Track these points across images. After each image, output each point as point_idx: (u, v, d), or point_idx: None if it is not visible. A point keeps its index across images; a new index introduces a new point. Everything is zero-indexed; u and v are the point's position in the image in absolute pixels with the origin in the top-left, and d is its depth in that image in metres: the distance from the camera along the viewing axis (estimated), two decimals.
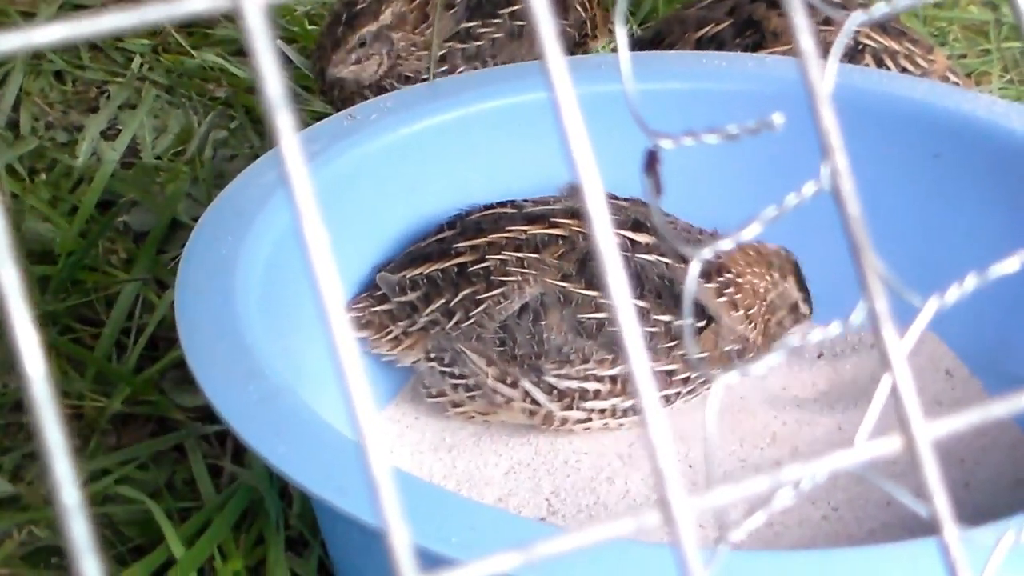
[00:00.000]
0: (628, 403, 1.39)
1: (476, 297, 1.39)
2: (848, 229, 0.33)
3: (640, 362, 0.33)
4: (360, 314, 1.43)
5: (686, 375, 1.39)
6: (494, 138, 1.54)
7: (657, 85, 1.55)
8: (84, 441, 1.48)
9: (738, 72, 1.59)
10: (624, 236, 1.40)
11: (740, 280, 1.42)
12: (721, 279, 1.41)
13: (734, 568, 0.96)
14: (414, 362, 1.44)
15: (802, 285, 1.46)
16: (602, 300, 1.37)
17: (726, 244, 0.38)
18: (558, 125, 0.36)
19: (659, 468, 0.31)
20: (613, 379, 1.38)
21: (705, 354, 1.40)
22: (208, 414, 1.24)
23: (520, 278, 1.38)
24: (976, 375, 1.54)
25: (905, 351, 0.35)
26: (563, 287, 1.37)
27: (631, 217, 1.41)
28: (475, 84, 1.57)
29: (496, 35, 1.72)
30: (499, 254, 1.40)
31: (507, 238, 1.41)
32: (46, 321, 1.61)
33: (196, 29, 2.19)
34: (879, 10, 0.38)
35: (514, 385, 1.39)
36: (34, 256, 1.70)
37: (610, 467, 1.42)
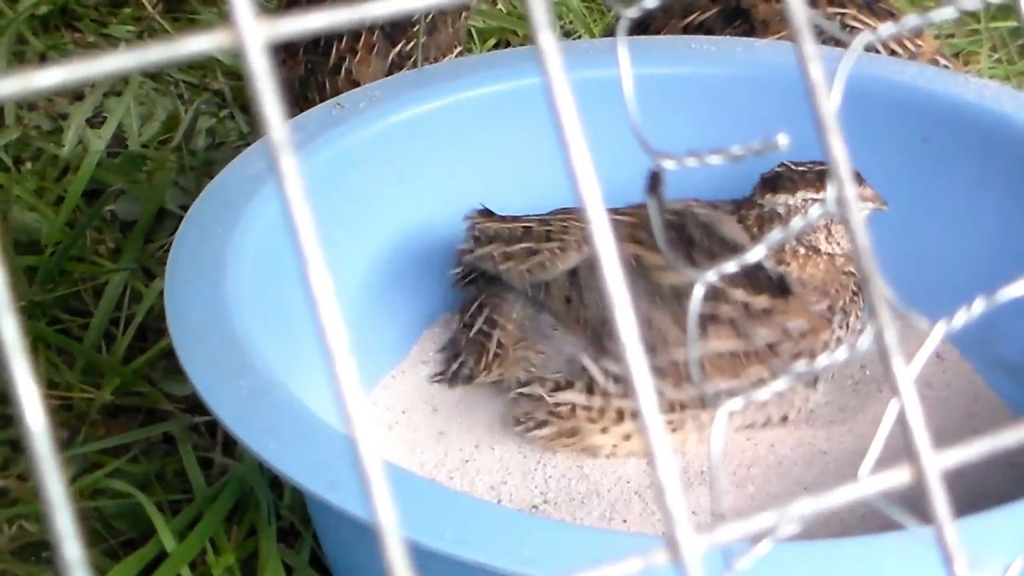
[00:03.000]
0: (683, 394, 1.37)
1: (533, 247, 1.39)
2: (858, 260, 0.32)
3: (647, 398, 0.32)
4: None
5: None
6: (484, 125, 1.53)
7: (647, 70, 1.55)
8: (73, 433, 1.48)
9: (728, 57, 1.58)
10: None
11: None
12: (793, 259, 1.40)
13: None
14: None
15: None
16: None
17: (731, 267, 0.38)
18: (553, 119, 0.35)
19: (668, 508, 0.30)
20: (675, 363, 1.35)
21: (806, 327, 1.37)
22: (198, 404, 1.24)
23: (580, 236, 1.37)
24: (966, 357, 1.54)
25: (912, 377, 0.35)
26: (636, 252, 1.35)
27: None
28: (464, 71, 1.56)
29: (421, 42, 1.70)
30: (564, 221, 1.40)
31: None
32: (34, 312, 1.60)
33: (182, 15, 2.18)
34: (886, 30, 0.37)
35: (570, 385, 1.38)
36: (20, 247, 1.69)
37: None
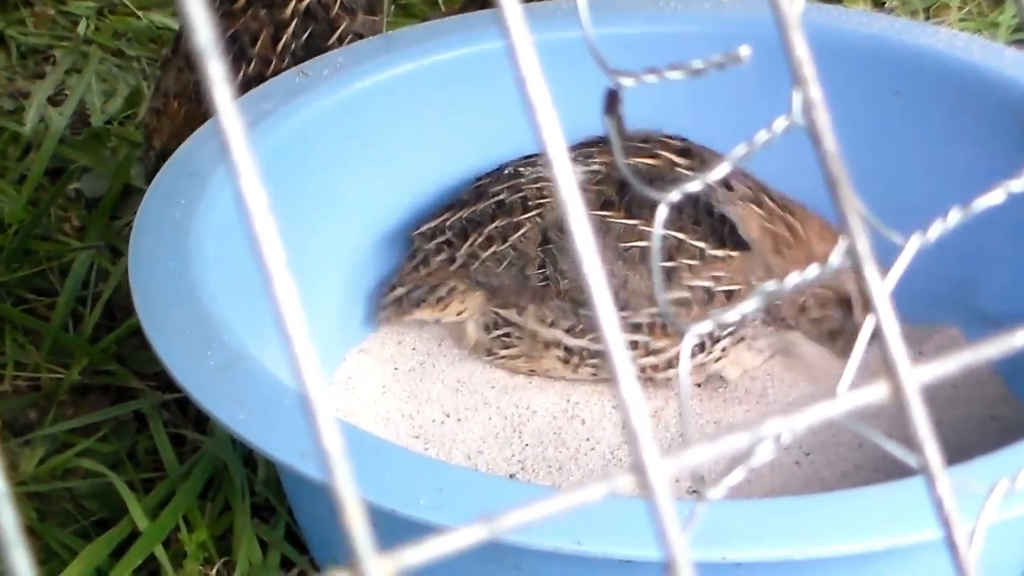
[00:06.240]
0: (669, 346, 1.37)
1: (514, 220, 1.38)
2: (824, 165, 0.31)
3: (610, 321, 0.30)
4: (407, 287, 1.44)
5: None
6: (449, 90, 1.51)
7: (614, 29, 1.53)
8: (42, 413, 1.46)
9: (696, 14, 1.56)
10: (668, 158, 1.38)
11: (799, 236, 1.38)
12: (776, 220, 1.38)
13: (708, 519, 0.95)
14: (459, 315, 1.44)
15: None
16: (644, 228, 1.34)
17: (693, 186, 0.36)
18: (515, 74, 0.34)
19: (632, 429, 0.29)
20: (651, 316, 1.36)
21: (736, 287, 1.36)
22: (168, 382, 1.22)
23: (554, 200, 1.37)
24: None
25: (888, 290, 0.33)
26: (603, 215, 1.35)
27: (684, 145, 1.40)
28: (428, 36, 1.54)
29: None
30: (536, 184, 1.39)
31: (541, 176, 1.40)
32: None
33: None
34: None
35: (552, 325, 1.38)
36: None
37: (579, 418, 1.41)
